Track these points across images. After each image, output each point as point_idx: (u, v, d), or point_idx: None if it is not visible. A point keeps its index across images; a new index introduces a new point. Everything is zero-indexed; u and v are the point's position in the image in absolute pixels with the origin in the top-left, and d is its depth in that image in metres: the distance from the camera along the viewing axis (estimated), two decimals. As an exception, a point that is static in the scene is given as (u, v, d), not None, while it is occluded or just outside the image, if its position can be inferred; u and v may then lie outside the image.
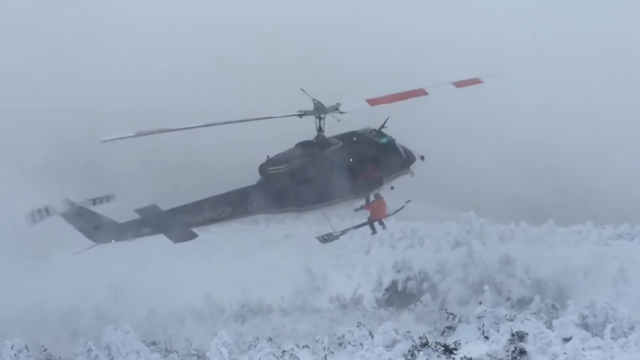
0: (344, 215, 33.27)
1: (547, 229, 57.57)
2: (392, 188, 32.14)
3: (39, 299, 49.17)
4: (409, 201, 32.38)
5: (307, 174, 30.07)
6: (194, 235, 29.15)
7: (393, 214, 32.18)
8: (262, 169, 29.85)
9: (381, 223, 32.67)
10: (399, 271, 50.02)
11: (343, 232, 31.39)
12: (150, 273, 58.40)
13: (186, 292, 53.38)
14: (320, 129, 30.14)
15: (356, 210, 31.98)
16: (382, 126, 31.01)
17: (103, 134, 26.53)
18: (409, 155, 32.01)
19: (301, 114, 29.28)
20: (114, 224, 28.12)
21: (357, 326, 37.11)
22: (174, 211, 29.16)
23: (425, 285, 48.64)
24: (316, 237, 30.75)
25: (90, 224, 27.68)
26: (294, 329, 44.37)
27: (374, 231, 32.08)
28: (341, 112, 29.34)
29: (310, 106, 29.17)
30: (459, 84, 30.75)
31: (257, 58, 77.74)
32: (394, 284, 49.82)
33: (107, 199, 27.83)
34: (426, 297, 47.06)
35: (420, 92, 30.14)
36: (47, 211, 27.35)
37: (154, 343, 39.71)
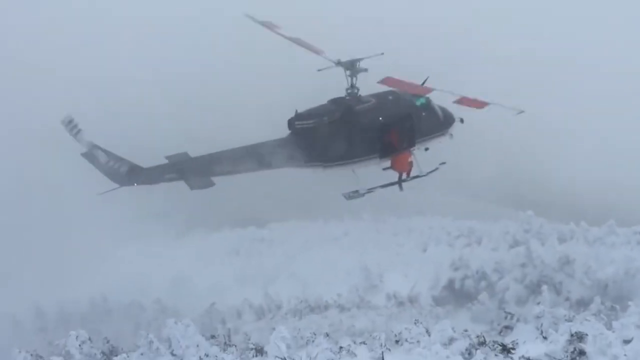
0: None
1: (607, 229, 56.76)
2: (426, 149, 30.98)
3: (103, 291, 50.51)
4: (443, 163, 30.98)
5: (335, 131, 29.42)
6: (211, 184, 28.66)
7: (425, 175, 30.86)
8: (291, 122, 29.40)
9: (405, 178, 30.96)
10: (456, 269, 49.83)
11: (370, 190, 30.16)
12: (210, 268, 59.48)
13: (245, 287, 54.16)
14: (352, 86, 29.58)
15: (384, 169, 30.88)
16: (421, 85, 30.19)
17: None
18: (448, 117, 30.69)
19: (337, 63, 28.82)
20: (137, 168, 27.66)
21: (414, 323, 37.07)
22: (199, 159, 28.70)
23: (483, 284, 48.37)
24: (342, 194, 29.96)
25: (114, 166, 27.21)
26: (351, 325, 44.62)
27: (401, 188, 30.49)
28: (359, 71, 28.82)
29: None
30: (462, 101, 29.05)
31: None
32: (451, 282, 49.64)
33: (70, 122, 26.82)
34: (483, 296, 46.83)
35: (426, 90, 29.07)
36: (78, 131, 26.49)
37: (213, 337, 40.24)
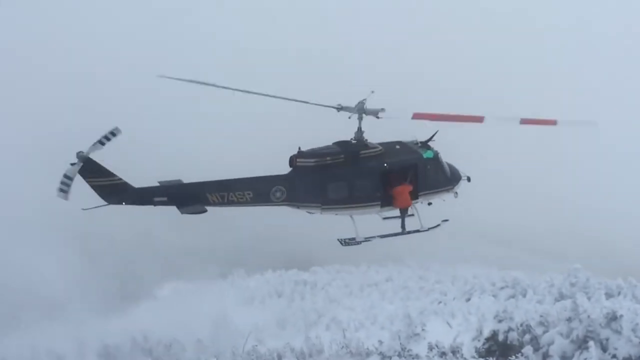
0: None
1: (656, 285, 55.65)
2: (429, 204, 30.58)
3: (144, 330, 50.73)
4: (446, 220, 30.47)
5: (337, 173, 29.13)
6: (203, 210, 28.20)
7: (427, 230, 30.29)
8: (292, 160, 29.18)
9: (408, 231, 30.25)
10: (500, 321, 48.84)
11: (367, 239, 29.65)
12: (252, 309, 59.53)
13: (286, 330, 53.95)
14: (359, 130, 29.37)
15: (385, 218, 30.34)
16: (430, 139, 29.81)
17: None
18: (454, 174, 30.32)
19: (339, 108, 28.59)
20: (129, 187, 27.26)
21: (457, 375, 36.72)
22: (192, 186, 28.34)
23: (527, 337, 47.33)
24: (337, 239, 29.44)
25: (104, 182, 26.74)
26: (392, 374, 44.00)
27: (403, 228, 29.60)
28: (378, 117, 28.44)
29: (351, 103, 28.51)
30: (526, 121, 27.98)
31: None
32: (494, 334, 48.67)
33: (113, 133, 26.58)
34: (527, 350, 45.87)
35: (476, 119, 28.19)
36: (69, 177, 26.22)
37: (253, 380, 40.20)
